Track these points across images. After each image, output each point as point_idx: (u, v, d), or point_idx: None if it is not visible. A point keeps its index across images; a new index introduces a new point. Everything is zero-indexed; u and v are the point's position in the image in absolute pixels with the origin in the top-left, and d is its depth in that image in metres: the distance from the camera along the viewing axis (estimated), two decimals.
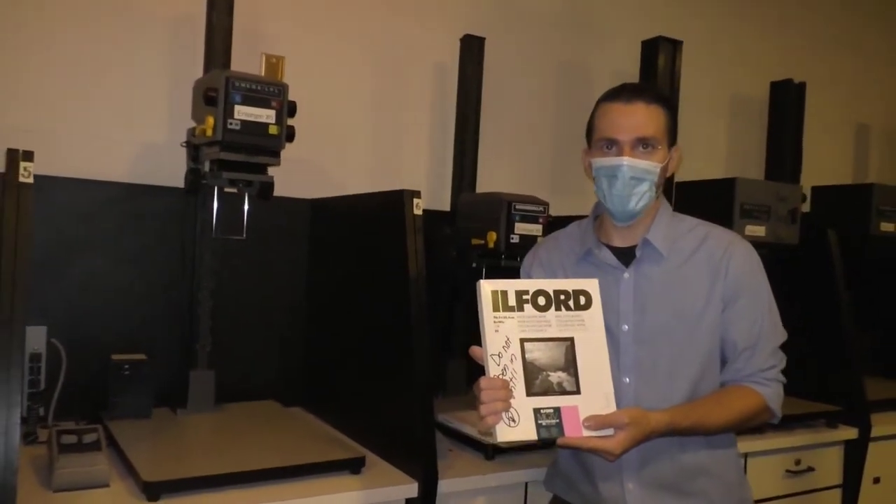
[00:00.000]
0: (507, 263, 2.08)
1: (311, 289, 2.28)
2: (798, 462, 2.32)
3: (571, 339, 1.24)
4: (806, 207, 3.06)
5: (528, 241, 2.07)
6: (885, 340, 3.12)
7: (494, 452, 1.82)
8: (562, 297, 1.26)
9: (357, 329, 1.99)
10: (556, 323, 1.24)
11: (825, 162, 3.52)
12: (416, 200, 1.75)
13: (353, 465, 1.65)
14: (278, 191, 2.14)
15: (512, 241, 2.07)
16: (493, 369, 1.21)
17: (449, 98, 2.54)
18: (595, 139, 1.44)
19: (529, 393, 1.21)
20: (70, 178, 1.98)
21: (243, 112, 1.69)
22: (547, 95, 2.85)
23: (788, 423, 2.33)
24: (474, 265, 2.16)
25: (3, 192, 1.39)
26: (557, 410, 1.21)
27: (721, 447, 1.45)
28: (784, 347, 1.49)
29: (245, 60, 2.18)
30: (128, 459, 1.55)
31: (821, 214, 2.95)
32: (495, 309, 1.22)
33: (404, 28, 2.53)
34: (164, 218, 2.06)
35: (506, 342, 1.21)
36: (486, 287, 1.23)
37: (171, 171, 2.02)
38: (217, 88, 1.68)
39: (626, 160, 1.37)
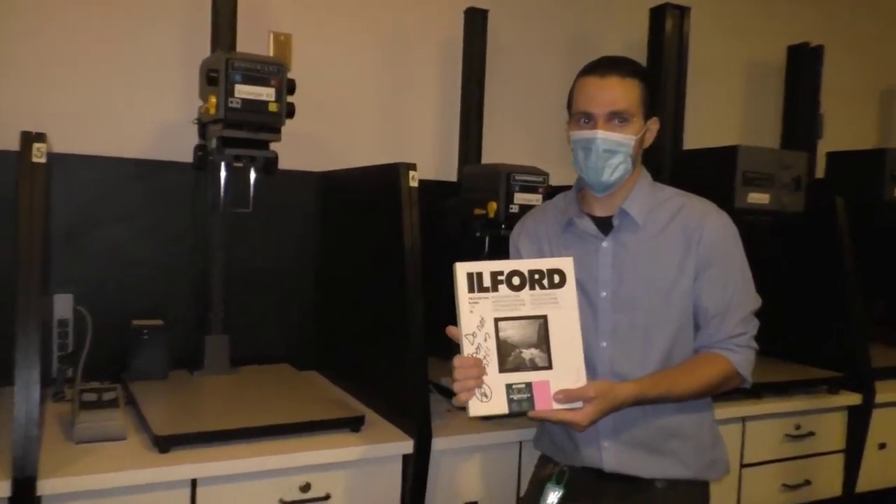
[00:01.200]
0: (507, 233, 2.14)
1: (320, 258, 2.38)
2: (798, 427, 2.36)
3: (545, 317, 1.31)
4: (821, 174, 3.06)
5: (527, 211, 2.13)
6: (892, 309, 3.11)
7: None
8: (536, 276, 1.32)
9: (361, 296, 2.08)
10: (529, 301, 1.30)
11: (847, 129, 3.47)
12: (411, 173, 1.81)
13: (354, 424, 1.76)
14: (289, 164, 2.24)
15: (511, 210, 2.13)
16: (467, 349, 1.28)
17: (456, 72, 2.59)
18: (573, 112, 1.50)
19: (502, 370, 1.28)
20: (91, 155, 2.11)
21: (244, 91, 1.77)
22: (555, 67, 2.87)
23: (788, 388, 2.37)
24: (477, 234, 2.24)
25: (19, 171, 1.50)
26: (529, 385, 1.28)
27: (694, 411, 1.51)
28: (762, 314, 1.53)
29: (254, 39, 2.28)
30: (143, 416, 1.68)
31: (835, 181, 2.93)
32: (470, 290, 1.29)
33: (410, 2, 2.58)
34: (179, 192, 2.17)
35: (480, 322, 1.28)
36: (461, 270, 1.30)
37: (186, 148, 2.11)
38: (218, 69, 1.77)
39: (599, 133, 1.42)
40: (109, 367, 2.03)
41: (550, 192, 2.21)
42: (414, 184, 1.81)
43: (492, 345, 1.28)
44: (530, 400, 1.28)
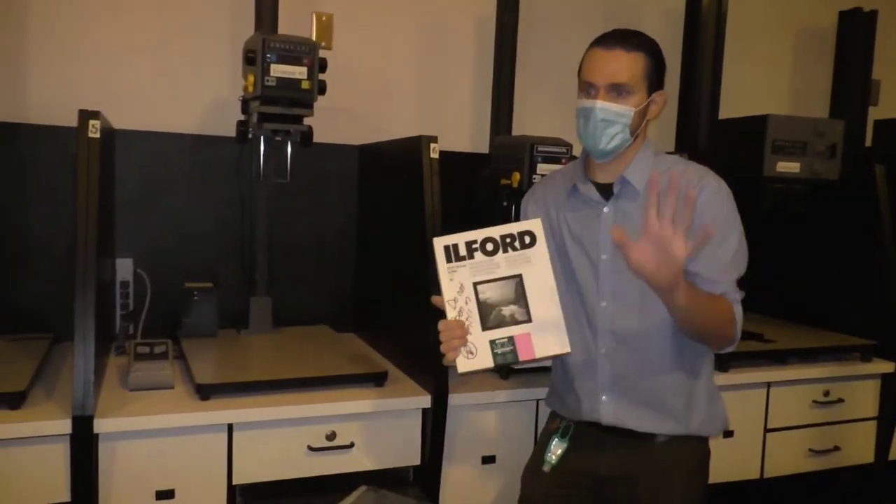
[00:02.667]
0: None
1: (358, 225, 2.52)
2: (827, 393, 2.37)
3: (520, 276, 1.40)
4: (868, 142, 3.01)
5: None
6: None
7: (509, 373, 2.02)
8: (508, 239, 1.41)
9: (391, 261, 2.21)
10: (504, 264, 1.40)
11: None
12: (432, 145, 1.92)
13: (377, 379, 1.90)
14: (330, 138, 2.39)
15: (534, 180, 2.20)
16: (450, 313, 1.40)
17: (490, 47, 2.66)
18: (580, 81, 1.55)
19: (485, 328, 1.39)
20: (150, 131, 2.30)
21: (279, 70, 1.91)
22: (589, 38, 2.89)
23: (816, 354, 2.39)
24: (504, 203, 2.33)
25: (77, 145, 1.68)
26: (511, 339, 1.39)
27: (690, 369, 1.57)
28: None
29: (298, 19, 2.41)
30: (189, 367, 1.87)
31: (882, 148, 2.87)
32: (448, 261, 1.40)
33: None
34: (227, 165, 2.34)
35: (460, 288, 1.40)
36: (438, 243, 1.41)
37: (234, 124, 2.28)
38: (255, 50, 1.91)
39: (598, 103, 1.48)
40: (165, 325, 2.23)
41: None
42: (434, 155, 1.92)
43: (473, 307, 1.39)
44: (514, 352, 1.38)
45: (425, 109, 2.68)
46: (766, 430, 2.31)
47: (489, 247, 1.41)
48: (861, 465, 2.47)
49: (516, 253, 1.41)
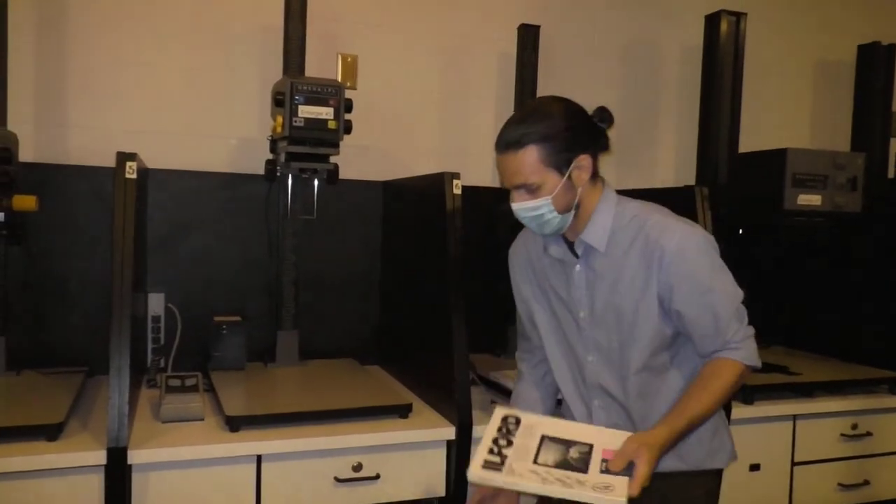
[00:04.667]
0: None
1: (384, 260, 2.57)
2: (855, 426, 2.35)
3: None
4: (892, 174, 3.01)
5: None
6: None
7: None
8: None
9: (415, 296, 2.25)
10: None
11: None
12: (455, 181, 1.97)
13: (402, 411, 1.93)
14: (356, 174, 2.46)
15: None
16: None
17: (511, 83, 2.72)
18: None
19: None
20: (180, 170, 2.38)
21: (306, 111, 1.99)
22: (608, 75, 2.97)
23: (842, 387, 2.37)
24: None
25: (114, 185, 1.76)
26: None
27: None
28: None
29: (324, 61, 2.51)
30: (219, 399, 1.91)
31: None
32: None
33: (467, 20, 2.74)
34: (255, 202, 2.41)
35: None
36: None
37: (262, 162, 2.35)
38: (283, 92, 1.98)
39: (514, 206, 1.50)
40: (195, 358, 2.29)
41: None
42: (457, 191, 1.97)
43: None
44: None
45: (448, 145, 2.74)
46: (794, 464, 2.29)
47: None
48: (892, 499, 2.43)
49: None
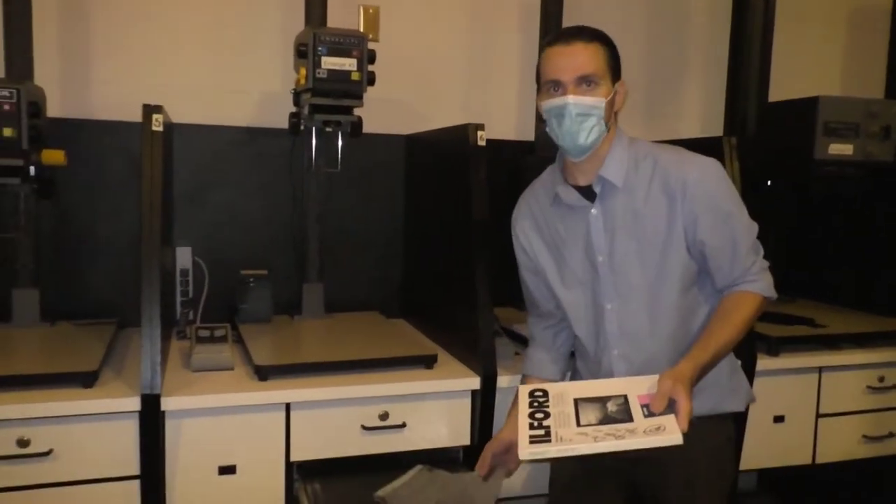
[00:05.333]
0: None
1: (407, 214, 2.57)
2: (882, 379, 2.34)
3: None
4: None
5: None
6: None
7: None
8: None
9: (439, 249, 2.26)
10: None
11: None
12: (479, 132, 1.95)
13: (427, 361, 1.95)
14: (379, 128, 2.44)
15: None
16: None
17: (535, 35, 2.67)
18: (542, 82, 1.51)
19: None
20: (205, 124, 2.38)
21: (329, 62, 1.97)
22: (635, 25, 2.91)
23: (869, 339, 2.35)
24: None
25: (141, 138, 1.77)
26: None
27: None
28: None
29: (346, 13, 2.48)
30: (247, 350, 1.95)
31: None
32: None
33: None
34: (279, 156, 2.42)
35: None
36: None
37: (286, 116, 2.34)
38: (306, 43, 1.97)
39: (570, 98, 1.44)
40: (223, 311, 2.32)
41: None
42: (482, 142, 1.95)
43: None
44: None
45: (471, 98, 2.71)
46: (819, 416, 2.29)
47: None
48: None
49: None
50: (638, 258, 1.52)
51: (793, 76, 2.97)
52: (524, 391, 1.43)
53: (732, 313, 1.47)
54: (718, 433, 1.61)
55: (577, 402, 1.36)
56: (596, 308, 1.59)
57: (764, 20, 2.70)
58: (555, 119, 1.48)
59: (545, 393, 1.41)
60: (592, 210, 1.55)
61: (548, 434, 1.28)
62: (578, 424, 1.29)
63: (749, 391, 1.65)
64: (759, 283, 1.50)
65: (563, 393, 1.40)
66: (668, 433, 1.22)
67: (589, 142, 1.47)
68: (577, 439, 1.25)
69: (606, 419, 1.30)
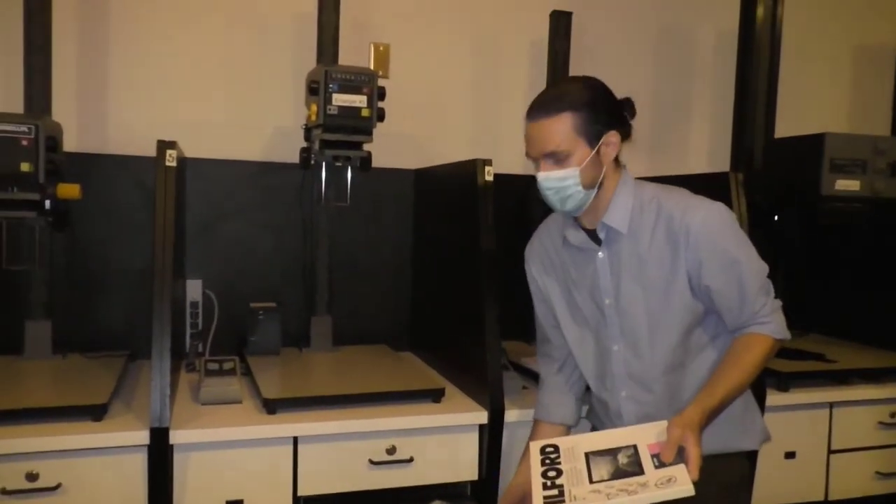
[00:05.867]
0: None
1: (416, 247, 2.59)
2: (893, 415, 2.31)
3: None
4: None
5: None
6: None
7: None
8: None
9: (448, 282, 2.27)
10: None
11: None
12: (487, 168, 1.98)
13: (435, 395, 1.95)
14: (388, 162, 2.48)
15: None
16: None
17: (543, 71, 2.71)
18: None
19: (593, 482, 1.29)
20: (217, 159, 2.42)
21: (340, 99, 2.01)
22: (642, 61, 2.95)
23: (880, 374, 2.34)
24: None
25: (155, 173, 1.80)
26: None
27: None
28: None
29: (356, 50, 2.53)
30: (256, 383, 1.95)
31: None
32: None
33: (498, 8, 2.74)
34: (289, 190, 2.45)
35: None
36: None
37: (296, 151, 2.37)
38: (318, 80, 2.01)
39: (541, 175, 1.50)
40: (232, 343, 2.34)
41: None
42: (489, 178, 1.97)
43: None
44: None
45: (480, 133, 2.75)
46: (830, 452, 2.26)
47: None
48: None
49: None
50: (643, 302, 1.53)
51: (799, 112, 3.00)
52: (535, 448, 1.42)
53: (741, 356, 1.47)
54: (732, 471, 1.60)
55: (587, 455, 1.36)
56: (602, 350, 1.60)
57: (770, 56, 2.73)
58: (540, 190, 1.53)
59: (556, 448, 1.41)
60: (599, 253, 1.56)
61: (561, 494, 1.29)
62: (591, 481, 1.30)
63: (764, 429, 1.64)
64: (769, 325, 1.49)
65: (574, 447, 1.40)
66: (679, 484, 1.23)
67: (570, 208, 1.52)
68: (591, 497, 1.25)
69: (618, 472, 1.30)
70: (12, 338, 2.14)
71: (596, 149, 1.48)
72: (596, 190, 1.51)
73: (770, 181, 2.54)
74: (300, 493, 1.79)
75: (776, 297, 1.52)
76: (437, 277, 2.40)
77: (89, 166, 2.27)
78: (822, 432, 2.25)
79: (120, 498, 1.66)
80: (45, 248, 2.13)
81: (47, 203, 1.92)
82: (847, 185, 2.34)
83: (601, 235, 1.55)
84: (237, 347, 2.31)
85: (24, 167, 1.83)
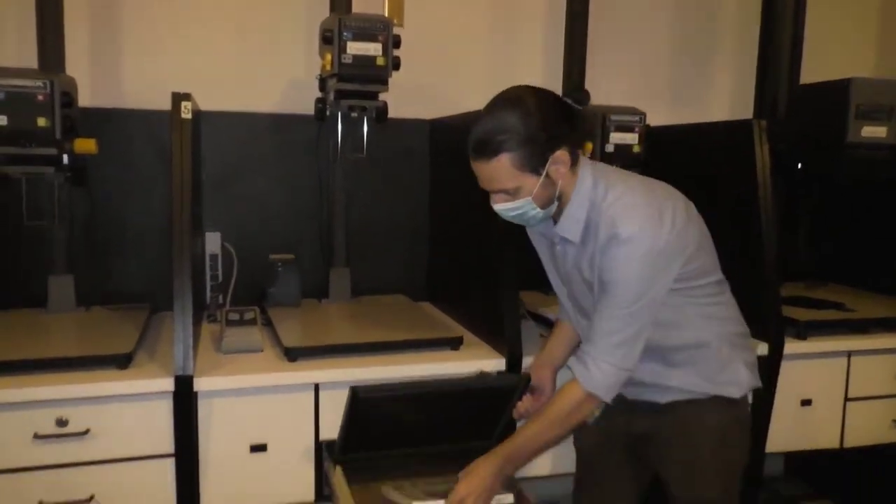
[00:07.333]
0: None
1: (433, 198, 2.59)
2: None
3: None
4: None
5: (624, 150, 2.23)
6: None
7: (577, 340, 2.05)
8: None
9: (465, 233, 2.27)
10: None
11: None
12: None
13: (453, 343, 1.97)
14: (403, 113, 2.45)
15: (607, 150, 2.22)
16: None
17: (561, 16, 2.66)
18: None
19: None
20: (232, 111, 2.41)
21: (354, 48, 1.98)
22: (666, 6, 2.87)
23: None
24: None
25: (170, 126, 1.80)
26: None
27: (694, 347, 1.60)
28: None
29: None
30: (276, 333, 1.98)
31: None
32: None
33: None
34: (305, 143, 2.44)
35: None
36: None
37: (312, 102, 2.36)
38: (332, 29, 1.98)
39: (496, 207, 1.53)
40: (251, 295, 2.36)
41: (649, 131, 2.28)
42: None
43: None
44: None
45: (496, 82, 2.67)
46: (847, 400, 2.27)
47: None
48: None
49: None
50: (589, 297, 1.59)
51: (825, 58, 2.92)
52: None
53: (548, 408, 1.58)
54: (722, 414, 1.62)
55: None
56: (575, 304, 1.68)
57: (795, 4, 2.66)
58: None
59: None
60: (557, 246, 1.62)
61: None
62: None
63: (745, 382, 1.64)
64: (589, 374, 1.51)
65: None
66: None
67: (535, 224, 1.58)
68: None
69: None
70: (36, 292, 2.18)
71: (544, 173, 1.46)
72: (556, 202, 1.53)
73: (794, 129, 2.49)
74: (322, 437, 1.82)
75: (625, 367, 1.51)
76: (454, 228, 2.40)
77: (104, 121, 2.27)
78: (840, 381, 2.25)
79: (147, 443, 1.71)
80: (64, 203, 2.15)
81: (65, 158, 1.93)
82: (874, 131, 2.29)
83: (555, 240, 1.61)
84: (257, 299, 2.33)
85: (41, 123, 1.84)
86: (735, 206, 2.18)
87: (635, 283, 1.45)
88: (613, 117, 2.21)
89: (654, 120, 2.35)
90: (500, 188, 1.48)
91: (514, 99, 1.47)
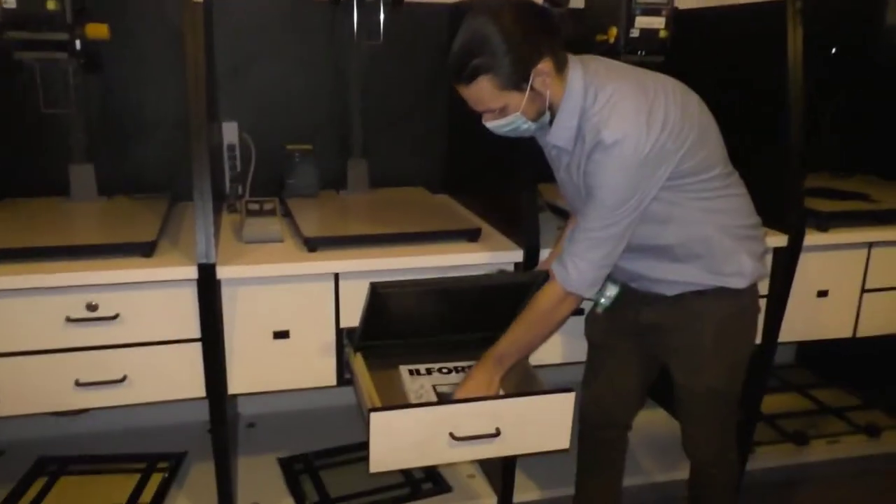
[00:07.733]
0: (627, 59, 2.16)
1: (451, 88, 2.50)
2: None
3: None
4: None
5: (649, 35, 2.14)
6: None
7: None
8: None
9: (482, 125, 2.22)
10: None
11: None
12: None
13: (471, 234, 1.98)
14: None
15: (632, 35, 2.13)
16: None
17: None
18: None
19: None
20: None
21: None
22: None
23: None
24: None
25: (182, 10, 1.75)
26: None
27: (699, 240, 1.59)
28: None
29: None
30: (296, 223, 2.00)
31: None
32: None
33: None
34: (321, 29, 2.37)
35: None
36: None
37: None
38: None
39: (487, 125, 1.54)
40: (270, 186, 2.36)
41: (677, 15, 2.18)
42: None
43: None
44: None
45: None
46: (864, 291, 2.28)
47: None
48: None
49: None
50: (579, 200, 1.58)
51: None
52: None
53: (529, 308, 1.63)
54: (728, 303, 1.64)
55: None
56: (573, 208, 1.69)
57: None
58: None
59: None
60: (553, 152, 1.62)
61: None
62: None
63: (750, 273, 1.64)
64: (566, 274, 1.54)
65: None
66: None
67: (527, 136, 1.60)
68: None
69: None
70: (58, 181, 2.20)
71: (529, 86, 1.45)
72: (548, 111, 1.51)
73: (829, 10, 2.37)
74: (342, 325, 1.87)
75: (602, 266, 1.54)
76: (472, 119, 2.34)
77: (115, 6, 2.20)
78: (858, 272, 2.25)
79: (174, 328, 1.77)
80: (80, 90, 2.13)
81: (77, 43, 1.89)
82: None
83: (549, 147, 1.61)
84: (275, 190, 2.34)
85: (51, 5, 1.79)
86: (763, 93, 2.11)
87: (618, 188, 1.45)
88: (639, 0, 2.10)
89: (683, 2, 2.24)
90: (482, 109, 1.50)
91: (489, 15, 1.41)
